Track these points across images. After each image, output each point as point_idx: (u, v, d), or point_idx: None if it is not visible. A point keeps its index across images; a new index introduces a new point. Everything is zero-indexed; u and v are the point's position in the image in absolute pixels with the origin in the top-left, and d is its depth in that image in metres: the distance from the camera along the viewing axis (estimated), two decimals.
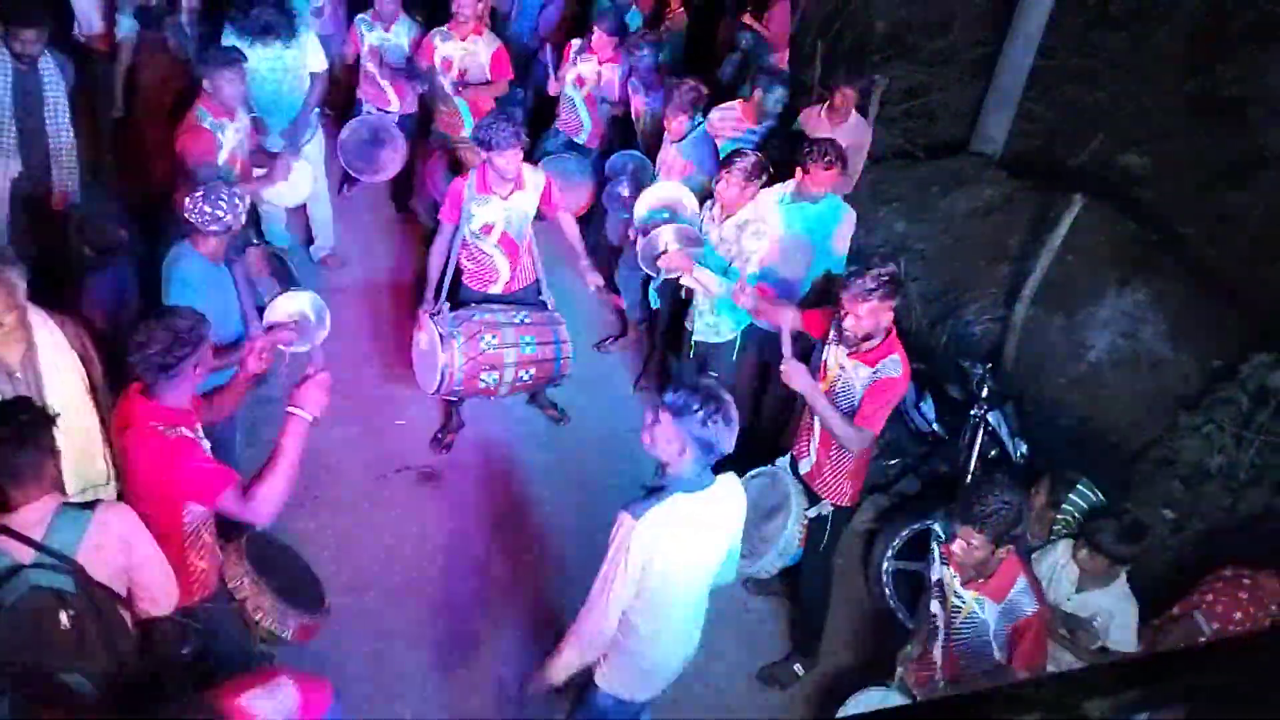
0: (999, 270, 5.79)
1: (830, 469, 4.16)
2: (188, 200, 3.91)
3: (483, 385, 4.81)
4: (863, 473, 4.22)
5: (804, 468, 4.25)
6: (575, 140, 6.49)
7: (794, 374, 3.93)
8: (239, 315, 4.26)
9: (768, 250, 4.79)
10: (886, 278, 3.80)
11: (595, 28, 6.22)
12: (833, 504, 4.21)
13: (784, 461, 4.35)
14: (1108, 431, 5.02)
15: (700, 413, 2.92)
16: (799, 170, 4.70)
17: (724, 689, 4.56)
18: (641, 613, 3.17)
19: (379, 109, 6.35)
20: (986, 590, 3.41)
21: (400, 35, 6.26)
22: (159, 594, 2.99)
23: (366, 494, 5.18)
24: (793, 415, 5.11)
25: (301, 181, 5.32)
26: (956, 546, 3.33)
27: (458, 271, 5.03)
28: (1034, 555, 3.98)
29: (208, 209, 3.88)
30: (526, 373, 4.90)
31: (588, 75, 6.30)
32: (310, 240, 6.49)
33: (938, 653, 3.64)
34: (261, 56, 5.54)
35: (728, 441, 2.99)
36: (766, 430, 5.19)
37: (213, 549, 3.44)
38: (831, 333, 4.02)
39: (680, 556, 3.10)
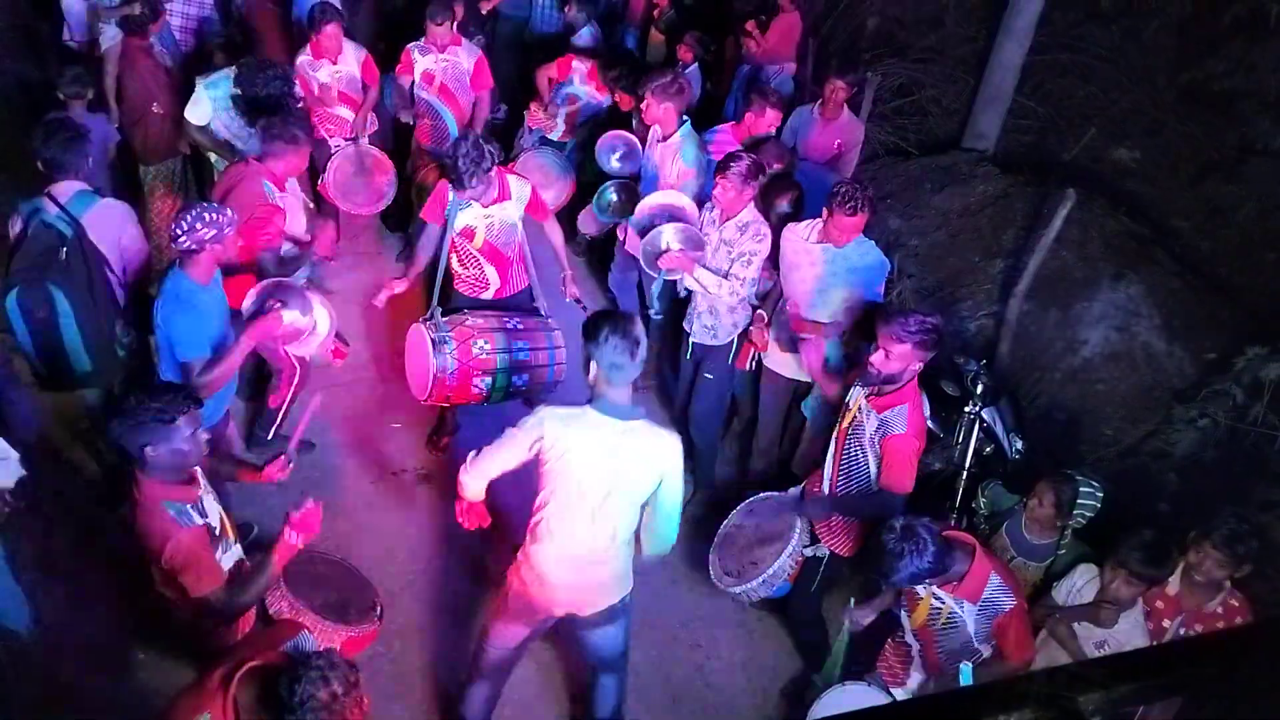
0: (992, 266, 5.81)
1: (840, 521, 4.14)
2: (173, 226, 3.84)
3: (475, 391, 4.75)
4: (870, 528, 4.12)
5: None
6: (549, 138, 6.50)
7: (814, 512, 4.16)
8: (230, 334, 4.18)
9: (801, 290, 4.66)
10: (930, 326, 3.73)
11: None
12: (829, 550, 4.20)
13: (796, 493, 4.34)
14: (1102, 426, 5.03)
15: (602, 333, 3.20)
16: (825, 211, 4.44)
17: (722, 686, 4.58)
18: (551, 514, 3.41)
19: (345, 138, 6.12)
20: (961, 592, 3.44)
21: (350, 64, 6.07)
22: (138, 262, 4.46)
23: (364, 497, 5.19)
24: (789, 426, 5.15)
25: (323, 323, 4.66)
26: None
27: (450, 277, 5.01)
28: (1054, 585, 3.96)
29: (179, 231, 3.81)
30: (520, 378, 4.82)
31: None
32: None
33: (916, 662, 3.66)
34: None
35: (629, 365, 3.22)
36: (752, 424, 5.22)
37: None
38: (861, 368, 3.97)
39: (582, 458, 3.31)
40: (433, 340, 4.65)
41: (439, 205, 4.79)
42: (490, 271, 4.95)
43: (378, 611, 3.83)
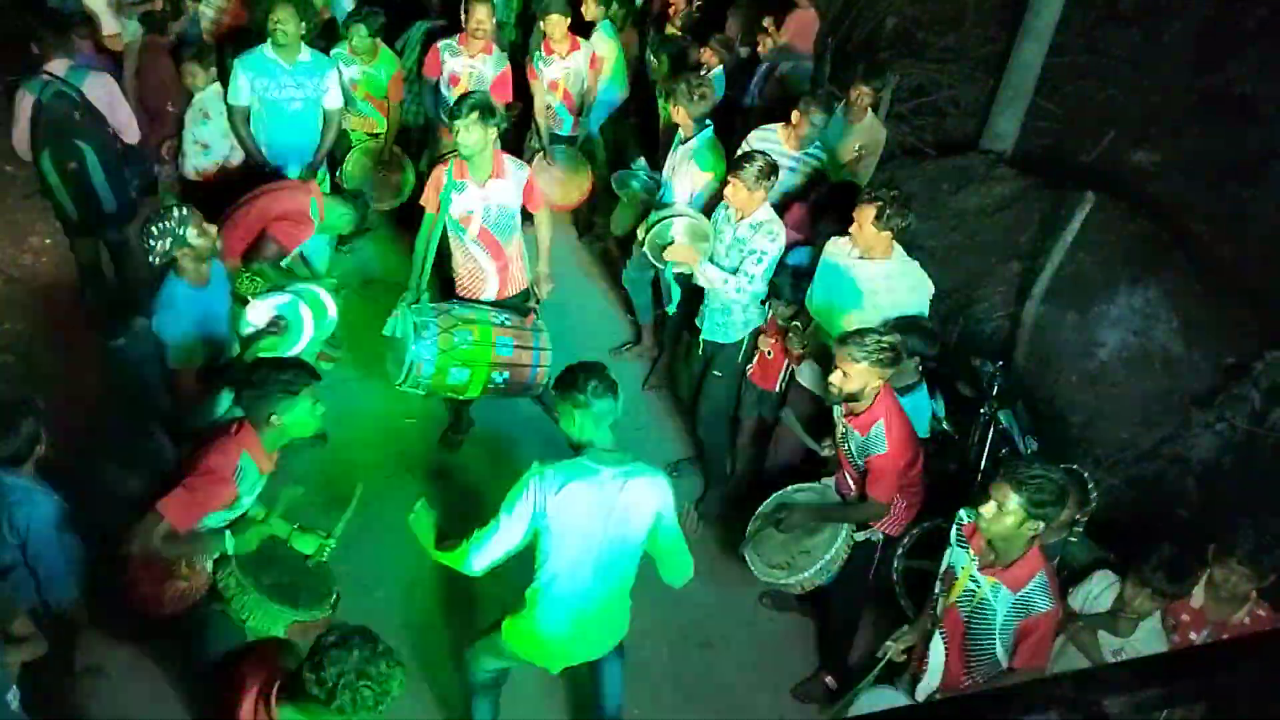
0: (1010, 268, 5.77)
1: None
2: (141, 229, 3.95)
3: (452, 382, 4.67)
4: (916, 503, 4.20)
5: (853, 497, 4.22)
6: (559, 133, 6.49)
7: (792, 521, 4.15)
8: (228, 335, 4.27)
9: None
10: (885, 345, 3.79)
11: (542, 25, 6.21)
12: (883, 533, 4.21)
13: (830, 481, 4.33)
14: (1119, 429, 5.00)
15: (589, 385, 3.33)
16: (855, 225, 4.41)
17: (734, 685, 4.56)
18: (554, 576, 3.42)
19: (369, 134, 6.25)
20: (1004, 577, 3.32)
21: (382, 70, 6.16)
22: (126, 127, 5.17)
23: (376, 492, 5.15)
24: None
25: (328, 308, 4.75)
26: (987, 509, 3.24)
27: (449, 279, 5.00)
28: (1070, 590, 3.91)
29: (149, 243, 3.91)
30: (500, 375, 4.73)
31: (557, 76, 6.32)
32: None
33: (936, 656, 3.59)
34: (279, 84, 5.47)
35: (613, 403, 3.39)
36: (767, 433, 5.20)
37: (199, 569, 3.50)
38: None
39: (580, 522, 3.35)
40: (415, 324, 4.56)
41: (434, 190, 4.77)
42: (488, 266, 4.90)
43: (332, 599, 3.74)
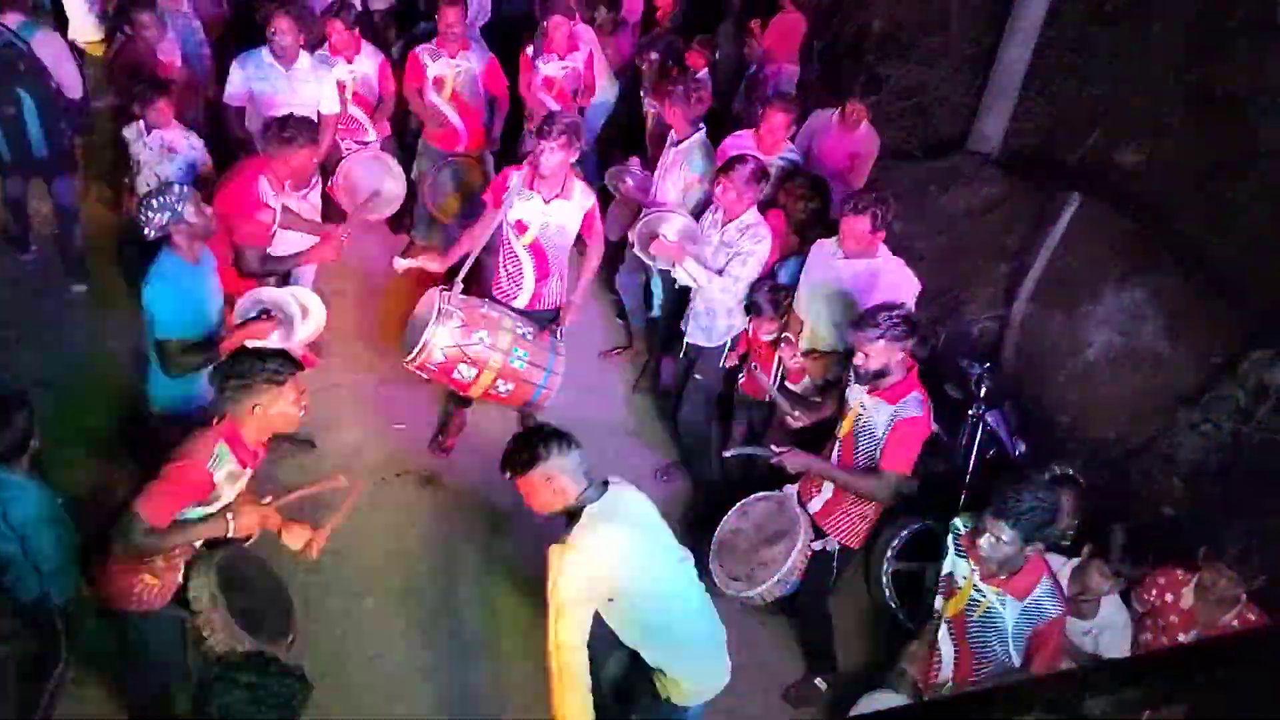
0: (997, 269, 5.78)
1: (844, 511, 4.14)
2: (141, 201, 3.99)
3: (456, 376, 4.64)
4: (873, 516, 4.19)
5: (814, 506, 4.22)
6: None
7: (792, 461, 4.03)
8: (217, 313, 4.26)
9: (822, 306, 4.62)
10: (897, 319, 3.81)
11: (544, 23, 6.18)
12: (840, 543, 4.20)
13: (792, 489, 4.32)
14: (1106, 429, 5.01)
15: (560, 442, 3.09)
16: (839, 219, 4.44)
17: (727, 692, 4.55)
18: (634, 620, 3.21)
19: (358, 142, 6.13)
20: (1009, 587, 3.35)
21: (369, 67, 6.09)
22: (69, 84, 5.50)
23: (367, 497, 5.14)
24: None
25: (315, 311, 4.63)
26: (984, 541, 3.28)
27: (487, 275, 4.99)
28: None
29: (142, 220, 3.93)
30: (505, 385, 4.71)
31: (555, 75, 6.30)
32: None
33: (947, 651, 3.60)
34: (277, 88, 5.46)
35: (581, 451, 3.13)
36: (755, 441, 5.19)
37: (171, 571, 3.46)
38: (849, 373, 4.02)
39: (641, 560, 3.15)
40: (440, 310, 4.56)
41: (499, 192, 4.79)
42: (529, 274, 4.90)
43: (289, 639, 3.68)
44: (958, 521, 3.58)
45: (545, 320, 4.97)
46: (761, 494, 4.42)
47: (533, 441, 3.13)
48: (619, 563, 3.09)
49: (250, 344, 4.01)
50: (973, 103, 7.12)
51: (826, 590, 4.37)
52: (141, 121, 5.21)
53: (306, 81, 5.53)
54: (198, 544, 3.45)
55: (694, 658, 3.38)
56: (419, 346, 4.52)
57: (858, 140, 5.78)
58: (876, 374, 3.88)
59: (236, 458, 3.34)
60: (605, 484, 3.20)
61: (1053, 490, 3.39)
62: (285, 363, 3.38)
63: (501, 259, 4.96)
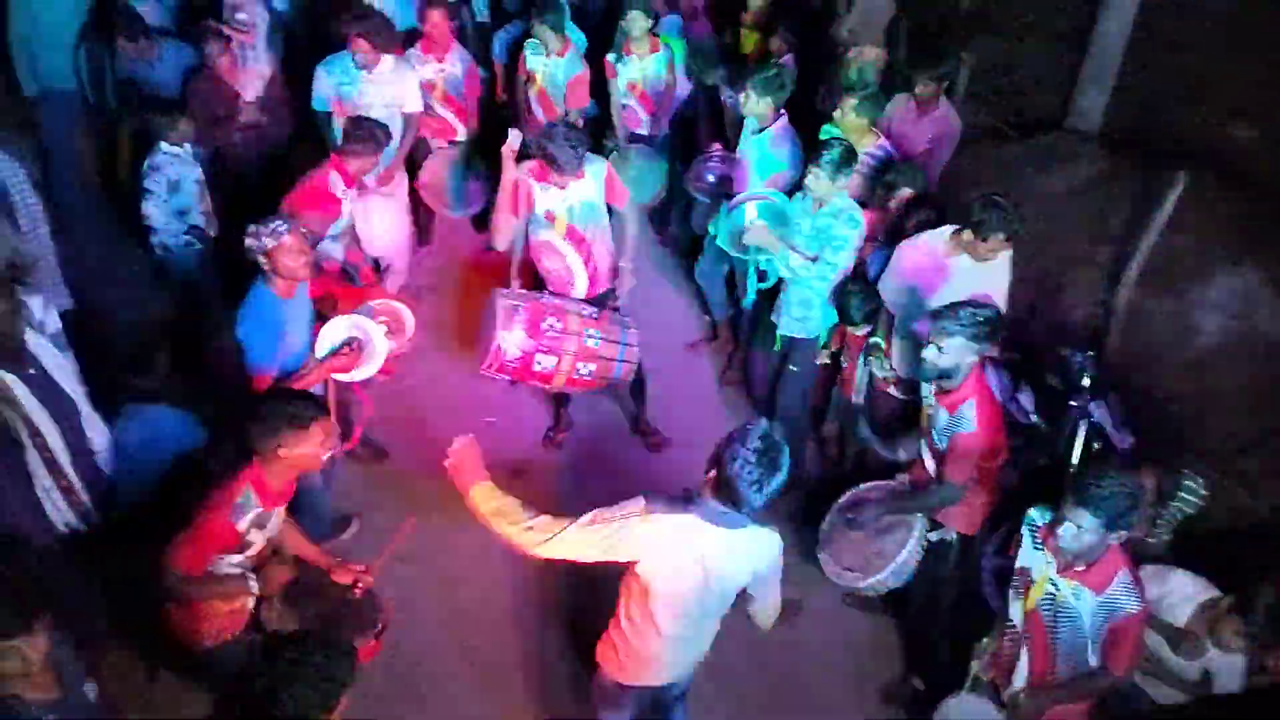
0: (1100, 252, 5.56)
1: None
2: (250, 239, 3.99)
3: (538, 369, 4.67)
4: (993, 501, 4.10)
5: None
6: (637, 132, 6.42)
7: (866, 518, 4.12)
8: (306, 343, 4.29)
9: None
10: (981, 319, 3.71)
11: (623, 28, 6.14)
12: (957, 532, 4.12)
13: (904, 478, 4.26)
14: (1221, 421, 4.78)
15: (741, 452, 2.88)
16: (969, 231, 4.30)
17: (818, 685, 4.51)
18: (654, 613, 3.19)
19: (449, 142, 6.25)
20: (1086, 579, 3.24)
21: (455, 64, 6.13)
22: None
23: (457, 492, 5.21)
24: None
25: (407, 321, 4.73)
26: (1064, 530, 3.16)
27: (540, 277, 5.03)
28: (1144, 573, 3.77)
29: (248, 246, 3.98)
30: (586, 366, 4.75)
31: (638, 77, 6.25)
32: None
33: (1022, 649, 3.49)
34: (362, 90, 5.55)
35: (750, 496, 2.90)
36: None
37: (240, 597, 3.52)
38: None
39: (664, 573, 3.08)
40: (503, 308, 4.60)
41: (513, 194, 4.81)
42: (576, 262, 4.92)
43: (377, 629, 3.75)
44: (1034, 513, 3.48)
45: (605, 299, 5.02)
46: (874, 483, 4.36)
47: (756, 436, 2.99)
48: (664, 565, 3.08)
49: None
50: (1070, 79, 6.85)
51: (941, 582, 4.29)
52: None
53: (389, 83, 5.61)
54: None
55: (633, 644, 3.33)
56: (492, 349, 4.58)
57: (936, 122, 5.61)
58: (943, 373, 3.79)
59: (260, 499, 3.36)
60: (737, 519, 3.03)
61: (1133, 477, 3.25)
62: (309, 405, 3.40)
63: (546, 257, 4.97)
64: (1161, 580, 3.76)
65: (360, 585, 3.70)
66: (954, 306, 3.78)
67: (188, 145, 5.28)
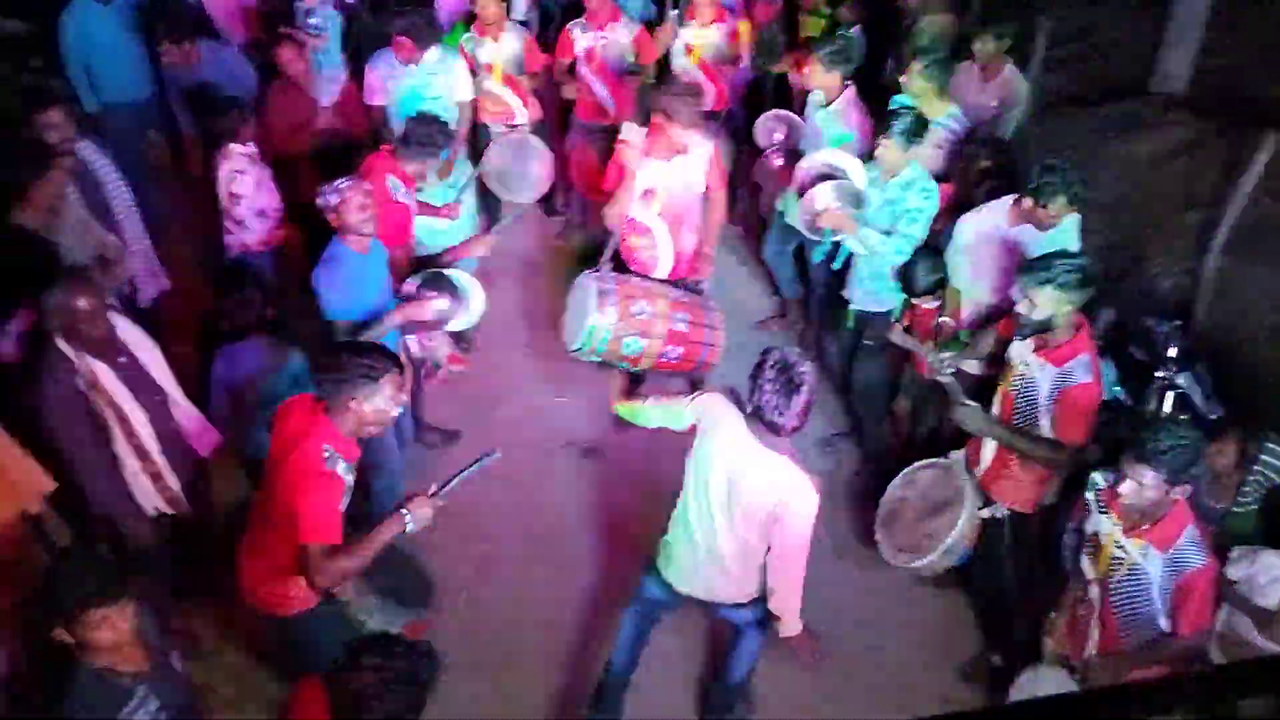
0: (1186, 219, 5.36)
1: (1010, 475, 3.99)
2: (319, 199, 4.19)
3: (626, 351, 4.65)
4: (1047, 479, 4.00)
5: (980, 471, 4.08)
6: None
7: (967, 418, 3.93)
8: (387, 303, 4.41)
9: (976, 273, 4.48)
10: (1072, 267, 3.65)
11: None
12: (1009, 509, 4.04)
13: (958, 455, 4.19)
14: None
15: (760, 382, 3.21)
16: (1029, 199, 4.17)
17: (894, 663, 4.46)
18: (682, 500, 3.58)
19: (508, 125, 6.19)
20: (1152, 537, 3.18)
21: (512, 44, 6.08)
22: None
23: (534, 468, 5.30)
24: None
25: (476, 297, 4.85)
26: (1126, 488, 3.13)
27: (621, 254, 5.01)
28: (1233, 555, 3.67)
29: (319, 200, 4.19)
30: (674, 350, 4.71)
31: (696, 42, 6.18)
32: None
33: (1093, 618, 3.42)
34: (409, 81, 5.54)
35: (777, 419, 3.21)
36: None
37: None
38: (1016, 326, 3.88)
39: (714, 460, 3.41)
40: (598, 291, 4.59)
41: (622, 167, 4.83)
42: (665, 243, 4.93)
43: (431, 603, 3.82)
44: (1097, 476, 3.42)
45: (689, 284, 4.99)
46: (927, 461, 4.30)
47: (782, 353, 3.31)
48: (705, 447, 3.47)
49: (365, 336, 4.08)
50: (1153, 42, 6.61)
51: (1000, 559, 4.20)
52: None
53: (436, 74, 5.58)
54: None
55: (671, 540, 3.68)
56: (585, 333, 4.54)
57: (1001, 87, 5.46)
58: (1041, 326, 3.71)
59: (342, 454, 3.33)
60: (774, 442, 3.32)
61: (1193, 430, 3.20)
62: (382, 358, 3.35)
63: (634, 234, 4.97)
64: (1250, 560, 3.64)
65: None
66: (1042, 257, 3.74)
67: (252, 144, 5.25)
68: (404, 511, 3.30)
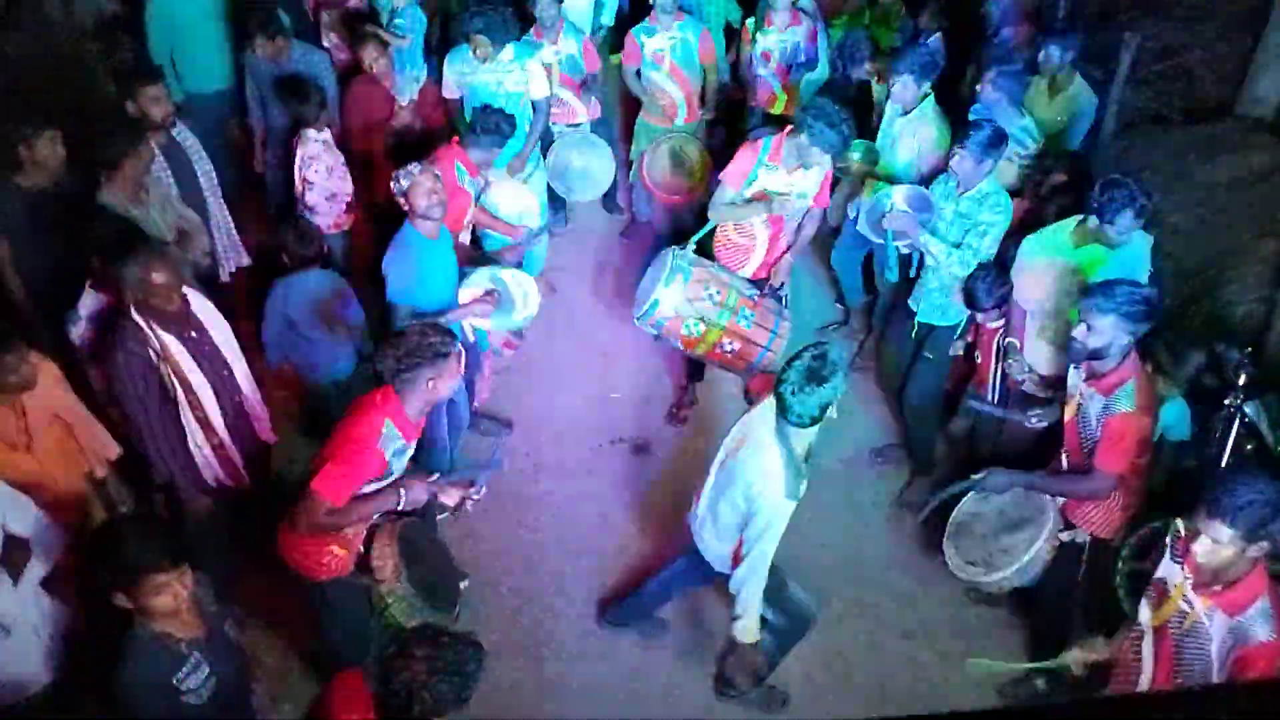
0: (1265, 245, 5.20)
1: (1094, 502, 3.88)
2: (392, 184, 4.33)
3: (685, 332, 4.70)
4: (1132, 504, 3.89)
5: None
6: (771, 112, 6.35)
7: (994, 484, 3.92)
8: (453, 290, 4.55)
9: (1041, 294, 4.37)
10: (1139, 298, 3.53)
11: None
12: (1089, 534, 3.94)
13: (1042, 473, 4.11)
14: None
15: (794, 363, 3.34)
16: (1094, 218, 4.07)
17: (934, 679, 4.41)
18: None
19: (569, 125, 6.25)
20: (1222, 601, 2.99)
21: (572, 46, 6.12)
22: None
23: (584, 463, 5.35)
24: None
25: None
26: (1200, 546, 2.93)
27: (712, 251, 5.05)
28: None
29: (392, 185, 4.33)
30: (731, 343, 4.74)
31: (771, 47, 6.18)
32: None
33: (1147, 662, 3.27)
34: (484, 78, 5.60)
35: (790, 400, 3.33)
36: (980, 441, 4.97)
37: (356, 540, 3.68)
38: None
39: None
40: (673, 266, 4.65)
41: (742, 174, 4.84)
42: (761, 246, 4.97)
43: (456, 608, 3.92)
44: (1179, 523, 3.22)
45: (770, 289, 4.99)
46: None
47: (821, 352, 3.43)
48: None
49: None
50: (1243, 64, 6.41)
51: (1073, 585, 4.10)
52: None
53: (510, 71, 5.63)
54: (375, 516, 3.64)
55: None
56: (650, 303, 4.62)
57: (1066, 103, 5.35)
58: (1093, 354, 3.61)
59: (402, 433, 3.48)
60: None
61: (1274, 484, 2.92)
62: (448, 336, 3.50)
63: (733, 230, 5.00)
64: None
65: (469, 499, 3.77)
66: (1108, 284, 3.61)
67: (328, 130, 5.44)
68: (401, 489, 3.48)
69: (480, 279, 4.64)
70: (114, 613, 2.88)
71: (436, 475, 3.59)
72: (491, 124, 4.99)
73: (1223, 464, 4.20)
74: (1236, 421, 4.22)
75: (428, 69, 6.42)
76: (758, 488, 3.47)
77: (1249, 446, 4.21)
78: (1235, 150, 5.81)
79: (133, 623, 2.88)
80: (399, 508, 3.52)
